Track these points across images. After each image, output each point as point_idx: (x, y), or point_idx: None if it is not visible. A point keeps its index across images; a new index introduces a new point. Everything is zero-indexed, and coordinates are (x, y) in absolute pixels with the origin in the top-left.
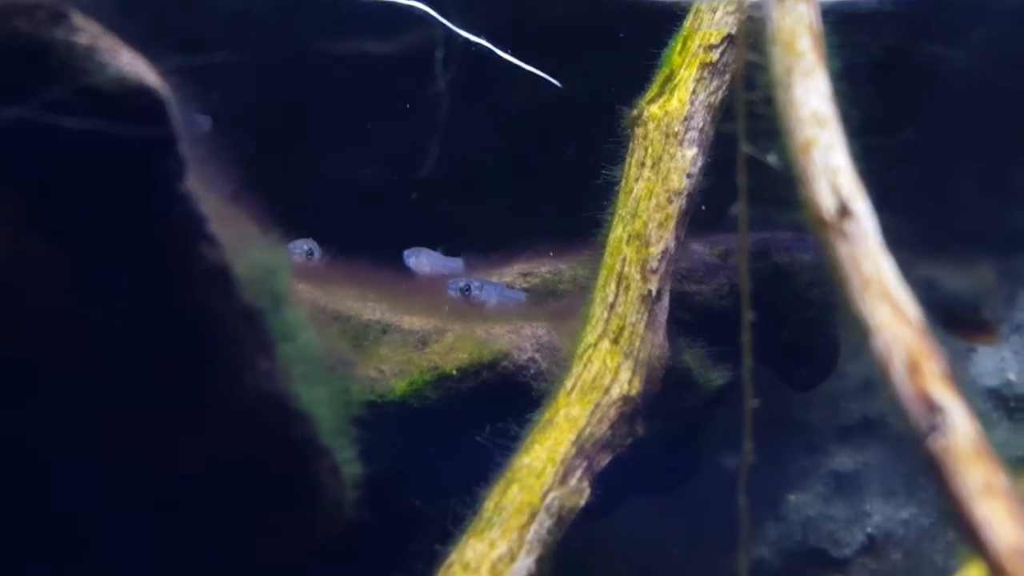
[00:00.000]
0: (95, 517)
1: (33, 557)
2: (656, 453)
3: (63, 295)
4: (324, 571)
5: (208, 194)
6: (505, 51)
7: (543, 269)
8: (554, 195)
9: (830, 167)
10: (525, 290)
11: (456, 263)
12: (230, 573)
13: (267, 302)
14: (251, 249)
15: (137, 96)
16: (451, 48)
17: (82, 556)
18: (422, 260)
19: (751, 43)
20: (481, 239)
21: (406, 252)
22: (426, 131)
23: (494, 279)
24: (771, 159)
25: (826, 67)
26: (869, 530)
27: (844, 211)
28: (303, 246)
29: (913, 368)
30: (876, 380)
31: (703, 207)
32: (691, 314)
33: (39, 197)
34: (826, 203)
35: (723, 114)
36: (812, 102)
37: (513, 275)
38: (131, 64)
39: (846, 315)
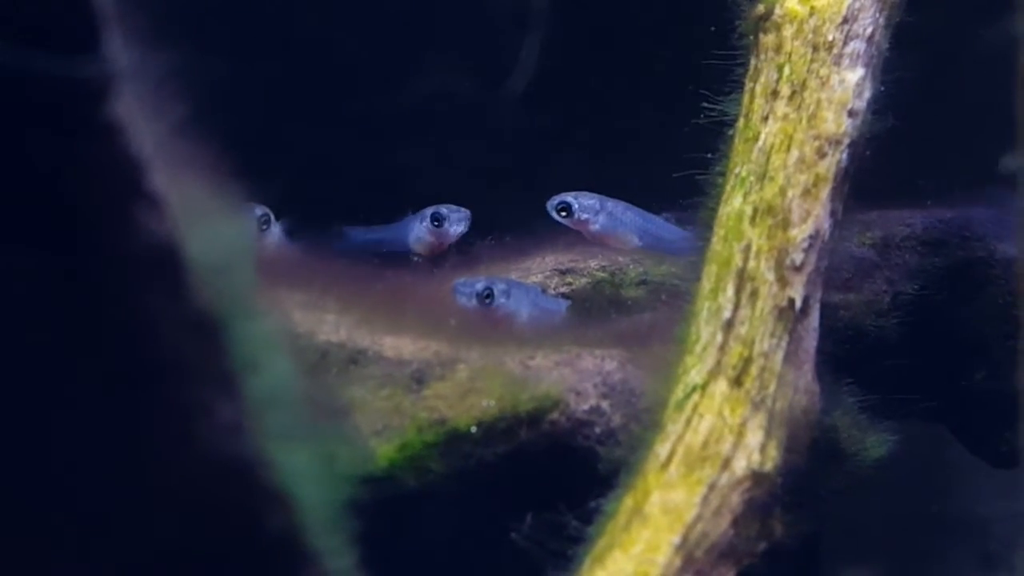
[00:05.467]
0: None
1: None
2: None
3: None
4: None
5: (149, 128)
6: None
7: (592, 264)
8: (608, 150)
9: None
10: (565, 296)
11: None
12: None
13: (227, 307)
14: (205, 219)
15: None
16: None
17: None
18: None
19: None
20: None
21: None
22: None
23: (514, 277)
24: None
25: None
26: None
27: None
28: (254, 212)
29: None
30: None
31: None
32: (833, 340)
33: None
34: None
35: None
36: None
37: (545, 273)
38: None
39: None
